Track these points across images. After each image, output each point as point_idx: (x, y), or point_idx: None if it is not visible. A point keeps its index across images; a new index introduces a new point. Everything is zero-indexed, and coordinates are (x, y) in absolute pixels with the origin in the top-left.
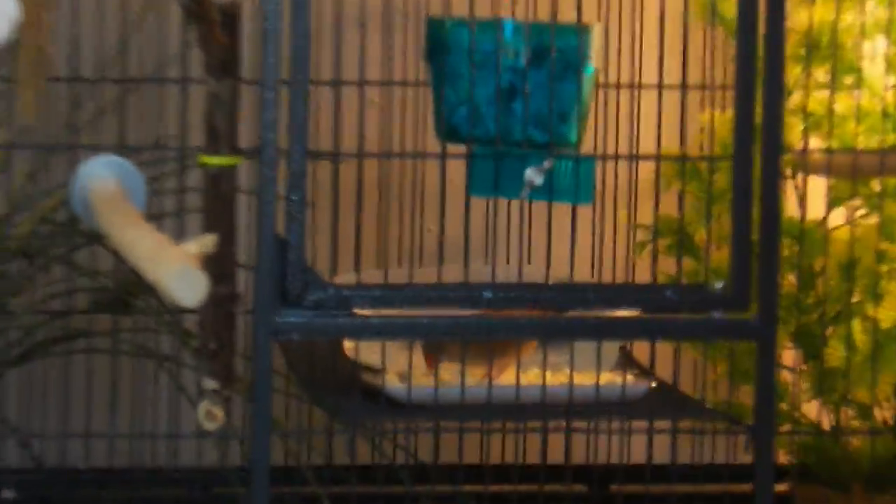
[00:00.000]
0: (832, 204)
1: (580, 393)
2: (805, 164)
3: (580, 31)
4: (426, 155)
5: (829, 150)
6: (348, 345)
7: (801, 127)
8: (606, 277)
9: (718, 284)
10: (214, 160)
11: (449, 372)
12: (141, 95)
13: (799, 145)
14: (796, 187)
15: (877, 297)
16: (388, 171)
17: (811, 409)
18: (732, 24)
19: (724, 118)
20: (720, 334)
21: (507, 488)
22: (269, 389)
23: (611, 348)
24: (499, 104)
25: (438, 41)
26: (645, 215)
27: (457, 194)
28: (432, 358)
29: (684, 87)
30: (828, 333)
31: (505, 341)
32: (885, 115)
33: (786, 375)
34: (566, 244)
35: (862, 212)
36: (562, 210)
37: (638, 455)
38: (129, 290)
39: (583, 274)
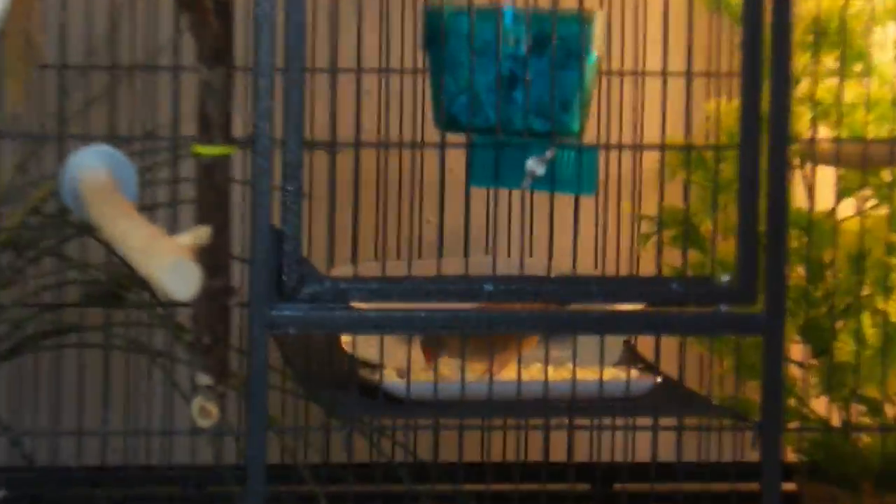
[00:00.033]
0: (841, 194)
1: (583, 389)
2: (813, 154)
3: (582, 18)
4: (425, 145)
5: (837, 140)
6: (345, 339)
7: (809, 116)
8: (610, 270)
9: (725, 277)
10: (208, 150)
11: (449, 367)
12: (132, 84)
13: (807, 134)
14: (804, 177)
15: (887, 289)
16: (386, 162)
17: (820, 405)
18: (738, 10)
19: (730, 107)
20: (726, 328)
21: (508, 487)
22: (264, 385)
23: (614, 343)
24: (499, 93)
25: (437, 28)
26: (649, 206)
27: (456, 185)
28: (431, 352)
29: (689, 74)
30: (837, 327)
31: (506, 336)
32: (895, 103)
33: (794, 370)
34: (569, 236)
35: (872, 202)
36: (564, 201)
37: (642, 453)
38: (121, 284)
39: (586, 266)
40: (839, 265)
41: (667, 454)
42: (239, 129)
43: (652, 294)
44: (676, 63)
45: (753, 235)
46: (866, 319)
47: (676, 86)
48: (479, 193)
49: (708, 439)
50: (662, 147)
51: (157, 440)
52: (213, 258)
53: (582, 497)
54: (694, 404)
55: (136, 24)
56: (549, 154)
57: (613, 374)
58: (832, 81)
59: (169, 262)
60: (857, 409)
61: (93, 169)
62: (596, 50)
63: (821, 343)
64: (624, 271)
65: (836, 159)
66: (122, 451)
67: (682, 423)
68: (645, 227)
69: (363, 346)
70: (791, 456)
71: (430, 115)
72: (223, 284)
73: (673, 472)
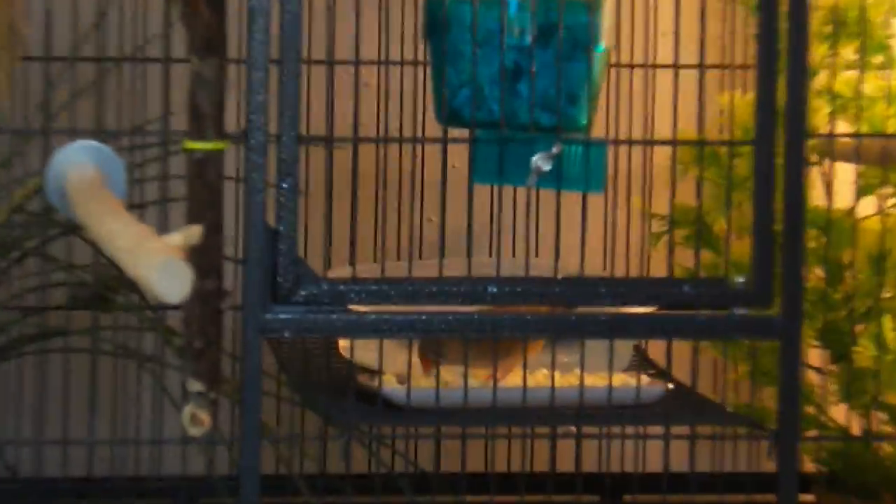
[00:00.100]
0: (861, 192)
1: (591, 396)
2: (832, 150)
3: (590, 6)
4: (426, 140)
5: (857, 135)
6: (343, 344)
7: (827, 110)
8: (619, 271)
9: (739, 279)
10: (199, 145)
11: (451, 373)
12: (120, 76)
13: (825, 129)
14: (822, 174)
15: None
16: (385, 157)
17: (839, 412)
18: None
19: (744, 100)
20: (741, 332)
21: (513, 498)
22: (258, 391)
23: (624, 348)
24: (503, 85)
25: (439, 18)
26: (660, 204)
27: (459, 182)
28: (429, 362)
29: (702, 66)
30: (857, 331)
31: (510, 340)
32: None
33: (812, 376)
34: (576, 235)
35: (893, 200)
36: (571, 199)
37: (653, 463)
38: (109, 285)
39: (594, 267)
40: (859, 266)
41: (679, 464)
42: (232, 123)
43: (663, 296)
44: (689, 54)
45: (769, 235)
46: (887, 323)
47: (689, 78)
48: (482, 191)
49: (722, 449)
50: (674, 142)
51: (146, 450)
52: (204, 258)
53: None
54: (707, 412)
55: (125, 14)
56: (555, 149)
57: (623, 380)
58: (851, 74)
59: (159, 262)
60: (878, 416)
61: (79, 165)
62: (604, 40)
63: (840, 348)
64: (634, 272)
65: (855, 155)
66: (110, 462)
67: (695, 431)
68: (656, 226)
69: (362, 351)
70: (809, 466)
71: (431, 108)
72: (215, 286)
73: (685, 482)
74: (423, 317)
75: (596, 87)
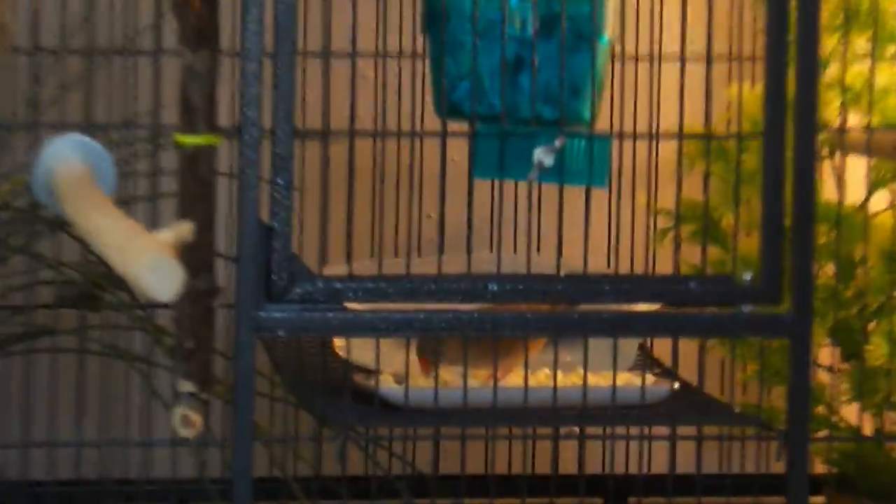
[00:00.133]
0: (873, 186)
1: (595, 395)
2: (843, 143)
3: None
4: (425, 134)
5: (869, 128)
6: (339, 343)
7: (838, 102)
8: (623, 268)
9: (747, 275)
10: (191, 140)
11: (450, 373)
12: (109, 68)
13: (836, 122)
14: (833, 168)
15: None
16: (382, 152)
17: (850, 412)
18: None
19: (753, 92)
20: (749, 330)
21: (514, 501)
22: (251, 392)
23: (629, 346)
24: (504, 78)
25: (438, 9)
26: (666, 199)
27: (459, 177)
28: (427, 363)
29: (709, 58)
30: (869, 329)
31: (511, 339)
32: None
33: (822, 376)
34: (579, 231)
35: None
36: (574, 194)
37: (659, 464)
38: (98, 283)
39: (597, 264)
40: (871, 262)
41: (685, 466)
42: (225, 117)
43: (669, 293)
44: (696, 46)
45: (778, 231)
46: None
47: (696, 70)
48: (482, 186)
49: (729, 450)
50: (680, 136)
51: (136, 452)
52: (196, 256)
53: None
54: (714, 412)
55: (114, 5)
56: (558, 143)
57: (627, 379)
58: (863, 65)
59: (149, 260)
60: (891, 416)
61: (67, 160)
62: (609, 32)
63: (851, 346)
64: (639, 269)
65: (867, 148)
66: (98, 464)
67: (702, 432)
68: (661, 221)
69: (358, 350)
70: (819, 467)
71: (430, 102)
72: (207, 284)
73: (692, 485)
74: (422, 315)
75: (599, 80)
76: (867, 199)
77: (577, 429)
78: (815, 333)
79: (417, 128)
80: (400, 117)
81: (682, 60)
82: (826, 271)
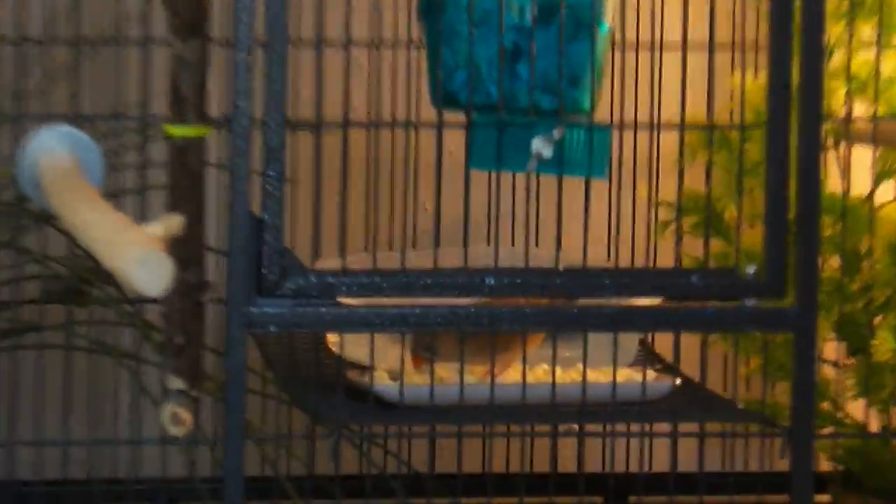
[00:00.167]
0: (879, 177)
1: (594, 392)
2: (848, 133)
3: None
4: (420, 124)
5: (875, 117)
6: (332, 338)
7: (843, 91)
8: (624, 261)
9: (751, 268)
10: (180, 131)
11: (446, 369)
12: (97, 58)
13: (841, 112)
14: (838, 159)
15: None
16: (377, 143)
17: (856, 408)
18: None
19: (756, 82)
20: (753, 325)
21: (512, 500)
22: (243, 389)
23: (629, 341)
24: (502, 67)
25: None
26: (667, 191)
27: (455, 168)
28: (421, 360)
29: (712, 46)
30: (875, 323)
31: (509, 334)
32: None
33: (827, 371)
34: (578, 224)
35: None
36: (573, 185)
37: (660, 462)
38: (85, 278)
39: (597, 257)
40: (877, 255)
41: (687, 463)
42: (215, 107)
43: (670, 287)
44: (698, 34)
45: (782, 223)
46: None
47: (698, 59)
48: (479, 177)
49: (732, 447)
50: (682, 126)
51: (125, 450)
52: (186, 249)
53: None
54: (717, 408)
55: None
56: (556, 134)
57: (628, 375)
58: (869, 53)
59: (137, 254)
60: None
61: (54, 152)
62: (609, 19)
63: (857, 340)
64: (639, 263)
65: (873, 138)
66: (86, 463)
67: (704, 429)
68: (663, 213)
69: (352, 346)
70: (824, 465)
71: (425, 91)
72: (197, 278)
73: (694, 483)
74: (417, 310)
75: (599, 69)
76: (873, 190)
77: (576, 426)
78: (820, 328)
79: (413, 118)
80: (395, 107)
81: (684, 49)
82: (831, 264)
